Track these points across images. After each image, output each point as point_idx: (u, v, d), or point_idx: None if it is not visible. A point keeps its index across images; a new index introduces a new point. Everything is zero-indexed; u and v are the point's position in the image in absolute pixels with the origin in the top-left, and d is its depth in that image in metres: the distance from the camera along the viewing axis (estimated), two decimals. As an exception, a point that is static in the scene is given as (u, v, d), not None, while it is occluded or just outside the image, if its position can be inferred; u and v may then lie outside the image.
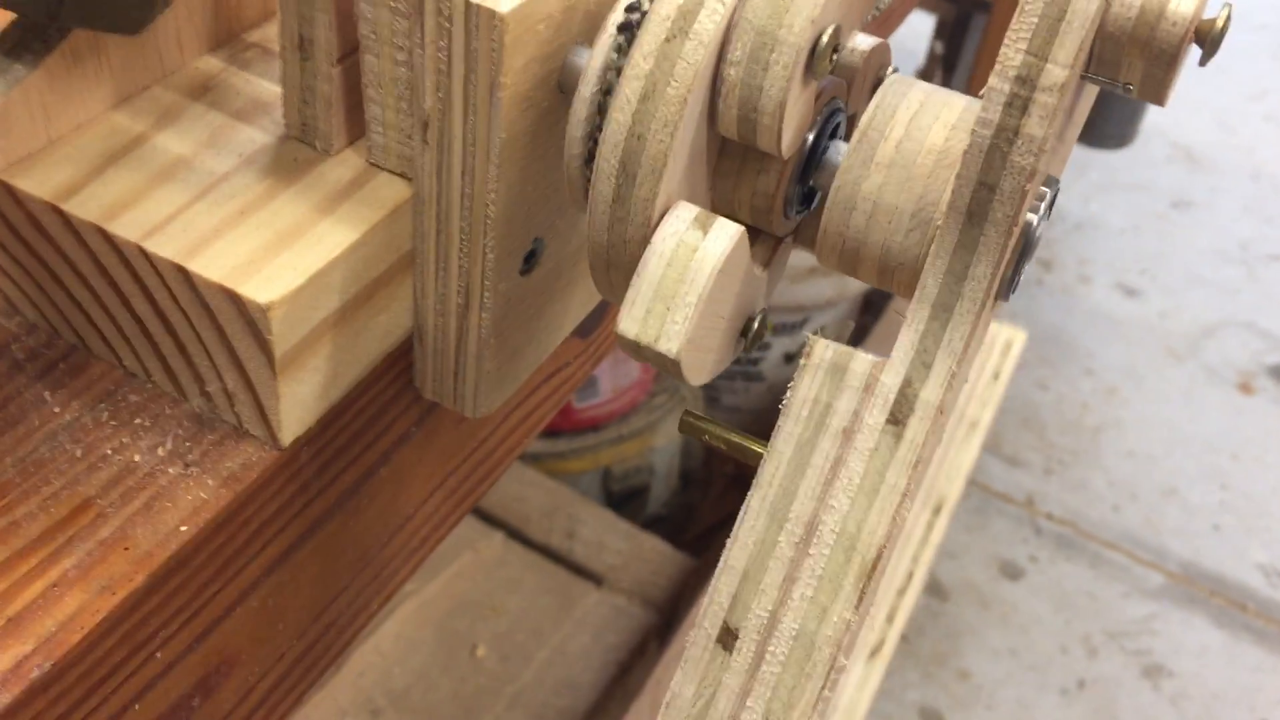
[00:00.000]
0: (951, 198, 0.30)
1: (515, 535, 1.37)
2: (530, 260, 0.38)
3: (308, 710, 1.22)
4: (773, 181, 0.33)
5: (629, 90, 0.30)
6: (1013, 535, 1.81)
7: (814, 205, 0.35)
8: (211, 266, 0.33)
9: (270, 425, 0.35)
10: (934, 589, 1.73)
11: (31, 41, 0.34)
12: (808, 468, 0.31)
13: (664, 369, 0.31)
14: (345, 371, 0.37)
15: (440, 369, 0.40)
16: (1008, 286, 0.32)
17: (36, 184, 0.35)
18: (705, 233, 0.30)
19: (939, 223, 0.31)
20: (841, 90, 0.34)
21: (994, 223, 0.30)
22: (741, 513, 0.32)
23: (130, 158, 0.36)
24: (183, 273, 0.33)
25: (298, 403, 0.35)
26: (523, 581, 1.35)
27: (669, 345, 0.30)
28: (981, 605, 1.73)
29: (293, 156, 0.37)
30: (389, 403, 0.40)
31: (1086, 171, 2.33)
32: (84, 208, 0.34)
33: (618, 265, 0.32)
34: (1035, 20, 0.29)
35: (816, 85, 0.31)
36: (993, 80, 0.29)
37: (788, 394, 0.32)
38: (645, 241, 0.31)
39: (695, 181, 0.32)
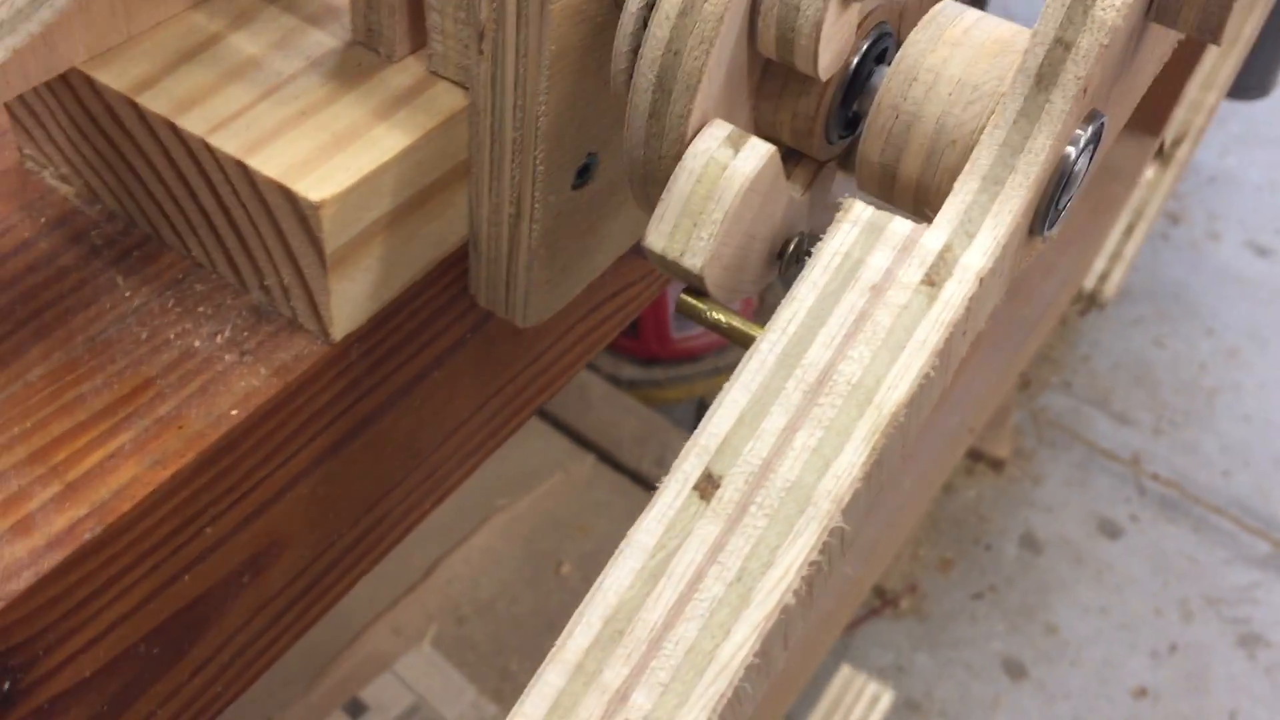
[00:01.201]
0: (1023, 60, 0.30)
1: (606, 459, 1.39)
2: (584, 175, 0.39)
3: (396, 613, 1.27)
4: (813, 104, 0.33)
5: (668, 5, 0.31)
6: (1115, 494, 1.78)
7: (858, 131, 0.35)
8: (270, 163, 0.35)
9: (322, 320, 0.37)
10: (1028, 542, 1.72)
11: (113, -60, 0.35)
12: (829, 316, 0.29)
13: (691, 284, 0.32)
14: (398, 273, 0.38)
15: (493, 277, 0.41)
16: (1044, 218, 0.32)
17: (114, 77, 0.36)
18: (736, 151, 0.31)
19: (1003, 92, 0.31)
20: (893, 14, 0.34)
21: (1063, 86, 0.30)
22: (747, 356, 0.29)
23: (204, 55, 0.38)
24: (243, 168, 0.35)
25: (349, 300, 0.37)
26: (611, 505, 1.37)
27: (694, 261, 0.31)
28: (1076, 561, 1.71)
29: (357, 61, 0.38)
30: (444, 307, 0.41)
31: (1226, 123, 2.24)
32: (156, 101, 0.36)
33: (654, 180, 0.33)
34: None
35: (861, 7, 0.31)
36: None
37: (817, 247, 0.30)
38: (679, 157, 0.32)
39: (734, 100, 0.33)
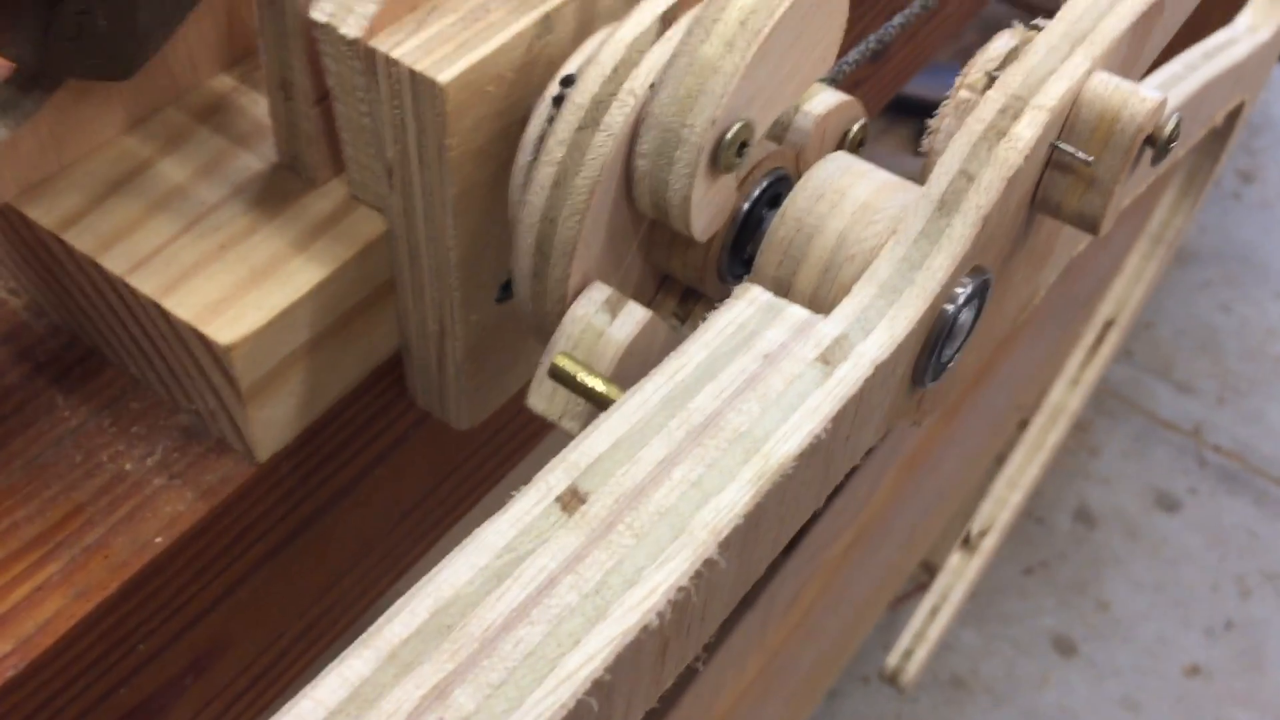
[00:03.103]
0: (928, 187, 0.31)
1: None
2: (508, 289, 0.39)
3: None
4: (700, 254, 0.33)
5: (542, 176, 0.31)
6: (1173, 465, 1.75)
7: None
8: (184, 304, 0.36)
9: (246, 442, 0.38)
10: (1082, 515, 1.70)
11: (32, 85, 0.36)
12: (720, 373, 0.28)
13: (576, 439, 0.32)
14: (324, 391, 0.39)
15: (426, 383, 0.42)
16: (924, 369, 0.32)
17: (43, 212, 0.38)
18: (614, 316, 0.31)
19: (903, 218, 0.31)
20: (788, 159, 0.34)
21: (963, 214, 0.30)
22: (628, 393, 0.28)
23: (132, 185, 0.39)
24: (160, 309, 0.36)
25: (271, 424, 0.38)
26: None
27: (572, 425, 0.31)
28: (1130, 536, 1.69)
29: (281, 186, 0.39)
30: (382, 409, 0.42)
31: (1302, 78, 2.16)
32: (81, 239, 0.37)
33: (543, 331, 0.33)
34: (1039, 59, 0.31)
35: (736, 171, 0.31)
36: (991, 93, 0.31)
37: (711, 315, 0.30)
38: (563, 315, 0.32)
39: (620, 253, 0.33)
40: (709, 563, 0.25)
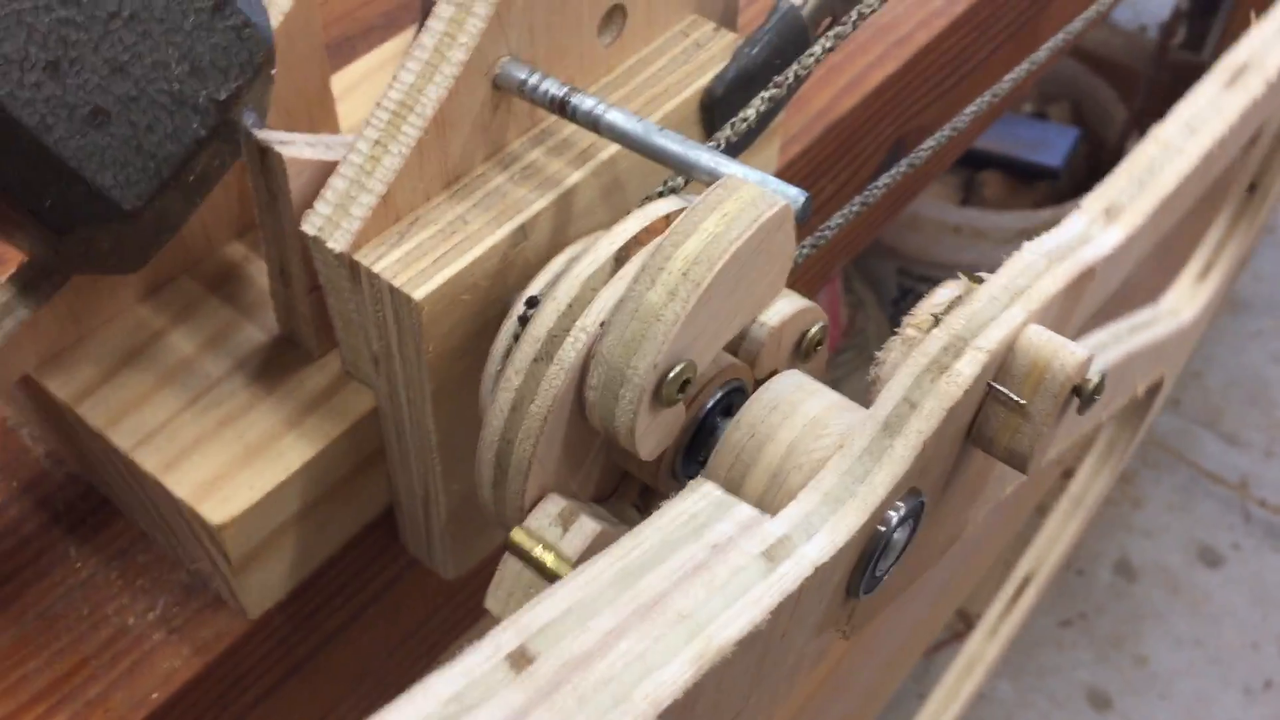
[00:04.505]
0: (874, 409, 0.33)
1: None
2: (490, 457, 0.42)
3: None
4: (651, 467, 0.35)
5: (501, 400, 0.33)
6: (1218, 520, 1.74)
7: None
8: (183, 482, 0.39)
9: (240, 601, 0.41)
10: (1122, 568, 1.70)
11: (52, 269, 0.39)
12: (670, 557, 0.30)
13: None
14: (316, 551, 0.42)
15: (415, 537, 0.44)
16: (859, 582, 0.34)
17: (59, 385, 0.41)
18: (565, 530, 0.34)
19: (850, 435, 0.33)
20: (742, 371, 0.36)
21: (905, 436, 0.32)
22: (583, 565, 0.30)
23: (144, 356, 0.42)
24: (159, 484, 0.39)
25: (262, 586, 0.41)
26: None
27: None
28: (1172, 590, 1.68)
29: (280, 360, 0.42)
30: (373, 559, 0.45)
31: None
32: (94, 413, 0.40)
33: (505, 525, 0.36)
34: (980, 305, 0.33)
35: (681, 403, 0.33)
36: (937, 332, 0.33)
37: (666, 504, 0.32)
38: (521, 519, 0.34)
39: (578, 460, 0.35)
40: None
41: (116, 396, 0.41)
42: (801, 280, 0.62)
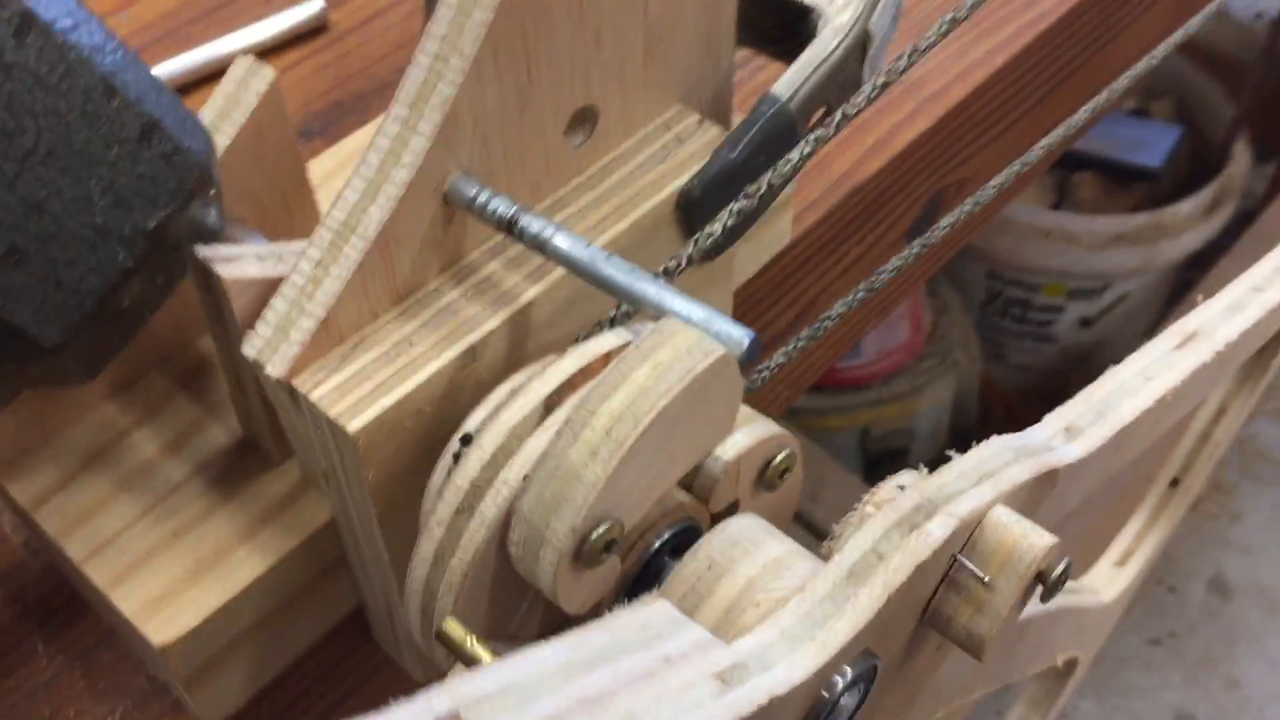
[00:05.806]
0: (842, 556, 0.31)
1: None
2: (455, 568, 0.41)
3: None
4: (592, 613, 0.34)
5: (424, 550, 0.32)
6: (1323, 537, 1.66)
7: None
8: (129, 598, 0.38)
9: (195, 714, 0.40)
10: (1217, 586, 1.63)
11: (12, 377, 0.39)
12: (620, 659, 0.28)
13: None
14: (274, 660, 0.41)
15: (384, 636, 0.43)
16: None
17: (20, 489, 0.40)
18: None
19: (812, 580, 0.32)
20: (696, 509, 0.34)
21: (870, 587, 0.31)
22: (529, 649, 0.28)
23: (106, 458, 0.41)
24: (107, 599, 0.38)
25: (219, 697, 0.40)
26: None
27: None
28: (1269, 610, 1.61)
29: (240, 464, 0.41)
30: (346, 655, 0.44)
31: None
32: (49, 520, 0.40)
33: (441, 673, 0.34)
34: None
35: (612, 557, 0.32)
36: (909, 492, 0.32)
37: (619, 610, 0.30)
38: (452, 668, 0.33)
39: (512, 605, 0.34)
40: None
41: (74, 502, 0.40)
42: (855, 319, 0.59)
